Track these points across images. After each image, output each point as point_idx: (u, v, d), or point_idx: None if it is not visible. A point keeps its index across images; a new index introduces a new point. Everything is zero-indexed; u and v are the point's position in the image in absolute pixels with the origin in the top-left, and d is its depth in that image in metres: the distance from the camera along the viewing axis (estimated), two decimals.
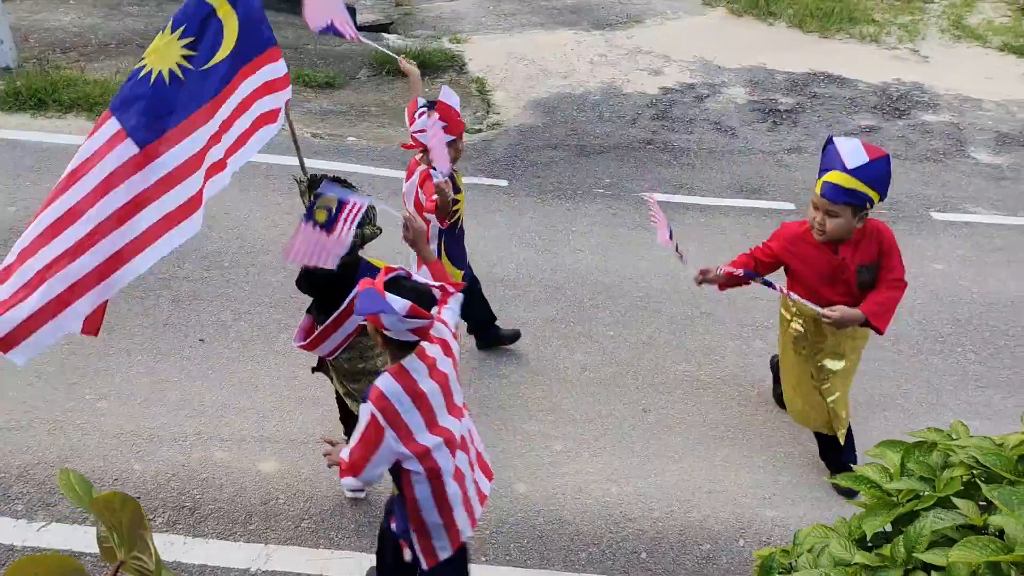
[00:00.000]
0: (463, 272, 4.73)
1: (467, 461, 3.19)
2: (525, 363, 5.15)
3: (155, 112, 3.33)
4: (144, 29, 8.54)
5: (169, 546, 3.96)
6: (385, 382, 2.96)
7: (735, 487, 4.46)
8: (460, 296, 3.31)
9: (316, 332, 3.80)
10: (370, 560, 3.98)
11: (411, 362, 2.99)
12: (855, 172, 3.71)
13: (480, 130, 7.63)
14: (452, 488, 3.11)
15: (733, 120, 8.06)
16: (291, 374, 4.92)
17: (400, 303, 2.82)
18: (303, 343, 3.85)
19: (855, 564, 1.79)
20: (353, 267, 3.70)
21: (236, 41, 3.54)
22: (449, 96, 4.39)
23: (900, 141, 7.87)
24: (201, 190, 3.40)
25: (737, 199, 6.88)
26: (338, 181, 3.62)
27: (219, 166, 3.53)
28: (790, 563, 1.95)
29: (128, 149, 3.29)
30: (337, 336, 3.79)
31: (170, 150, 3.34)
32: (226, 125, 3.59)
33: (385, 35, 9.19)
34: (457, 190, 4.52)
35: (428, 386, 3.01)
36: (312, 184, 3.84)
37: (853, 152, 3.71)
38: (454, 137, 4.38)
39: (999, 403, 5.06)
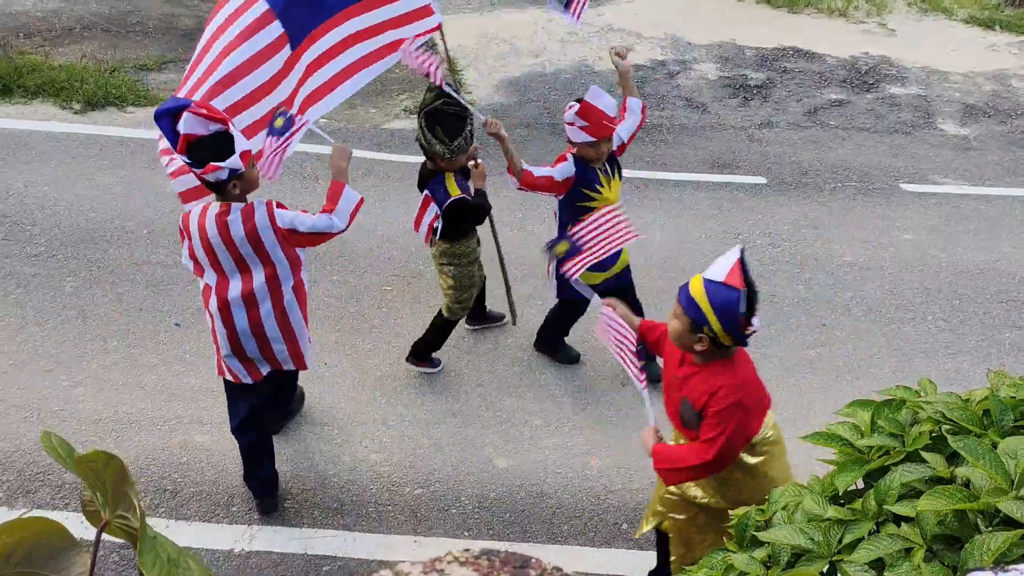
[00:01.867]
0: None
1: (244, 318, 3.74)
2: (503, 340, 5.18)
3: (307, 11, 4.04)
4: (109, 13, 8.42)
5: None
6: (194, 208, 3.72)
7: None
8: (330, 219, 3.71)
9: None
10: (354, 538, 4.01)
11: (211, 208, 3.63)
12: (706, 283, 3.00)
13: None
14: (218, 328, 3.80)
15: (704, 96, 8.10)
16: None
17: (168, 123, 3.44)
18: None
19: (828, 519, 1.84)
20: (434, 174, 4.45)
21: None
22: (597, 96, 4.23)
23: (869, 114, 7.95)
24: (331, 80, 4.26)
25: (710, 174, 6.92)
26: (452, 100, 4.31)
27: (349, 72, 4.28)
28: (765, 521, 1.99)
29: (280, 44, 3.98)
30: (423, 224, 4.48)
31: (312, 46, 4.08)
32: (357, 38, 4.27)
33: None
34: (593, 188, 4.42)
35: (211, 231, 3.61)
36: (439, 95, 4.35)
37: (721, 265, 3.02)
38: (594, 139, 4.30)
39: (968, 369, 5.15)
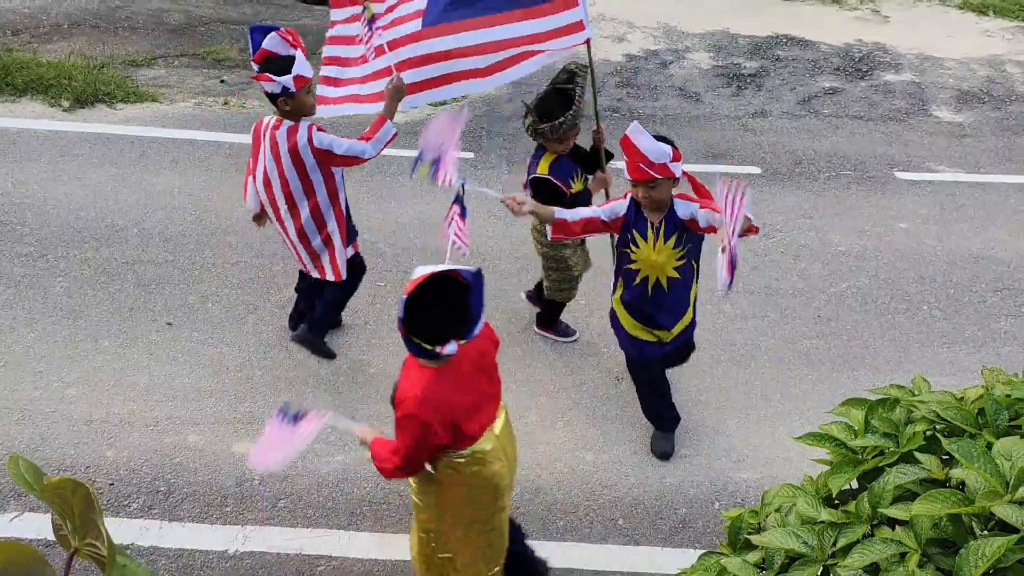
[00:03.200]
0: None
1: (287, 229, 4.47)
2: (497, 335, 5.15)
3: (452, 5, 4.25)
4: (97, 9, 8.35)
5: (145, 531, 3.94)
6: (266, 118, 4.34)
7: (709, 451, 4.51)
8: (364, 146, 4.25)
9: None
10: (348, 537, 3.99)
11: (271, 120, 4.30)
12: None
13: (444, 103, 7.57)
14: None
15: (698, 86, 8.06)
16: (262, 355, 4.88)
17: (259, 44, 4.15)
18: None
19: (822, 522, 1.82)
20: (543, 146, 4.57)
21: None
22: (636, 133, 3.71)
23: (863, 102, 7.91)
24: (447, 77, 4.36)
25: (704, 164, 6.88)
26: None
27: (481, 72, 4.34)
28: (759, 523, 1.97)
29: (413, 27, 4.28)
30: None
31: (452, 35, 4.24)
32: (502, 45, 4.31)
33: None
34: (634, 237, 3.97)
35: (266, 139, 4.29)
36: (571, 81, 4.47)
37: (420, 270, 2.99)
38: (630, 178, 3.83)
39: (964, 359, 5.14)
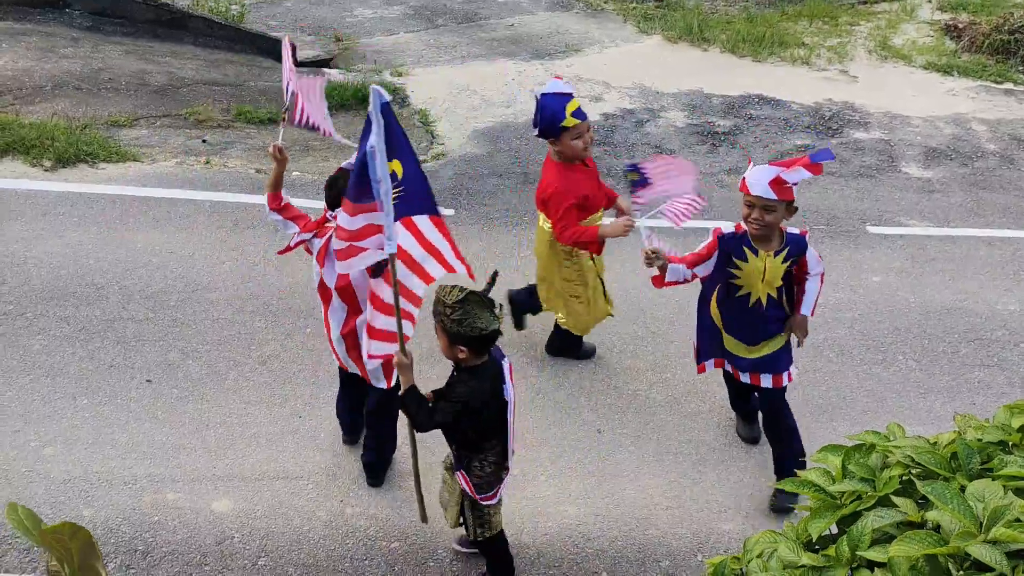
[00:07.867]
0: None
1: None
2: None
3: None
4: (80, 71, 8.45)
5: None
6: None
7: (691, 503, 4.52)
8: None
9: None
10: None
11: None
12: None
13: (425, 160, 7.68)
14: None
15: (673, 143, 8.23)
16: (242, 411, 4.86)
17: None
18: None
19: (803, 566, 1.84)
20: None
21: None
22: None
23: (834, 159, 8.10)
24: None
25: None
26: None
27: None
28: (741, 569, 1.99)
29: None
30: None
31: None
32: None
33: (326, 70, 9.22)
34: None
35: None
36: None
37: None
38: None
39: (940, 408, 5.21)
